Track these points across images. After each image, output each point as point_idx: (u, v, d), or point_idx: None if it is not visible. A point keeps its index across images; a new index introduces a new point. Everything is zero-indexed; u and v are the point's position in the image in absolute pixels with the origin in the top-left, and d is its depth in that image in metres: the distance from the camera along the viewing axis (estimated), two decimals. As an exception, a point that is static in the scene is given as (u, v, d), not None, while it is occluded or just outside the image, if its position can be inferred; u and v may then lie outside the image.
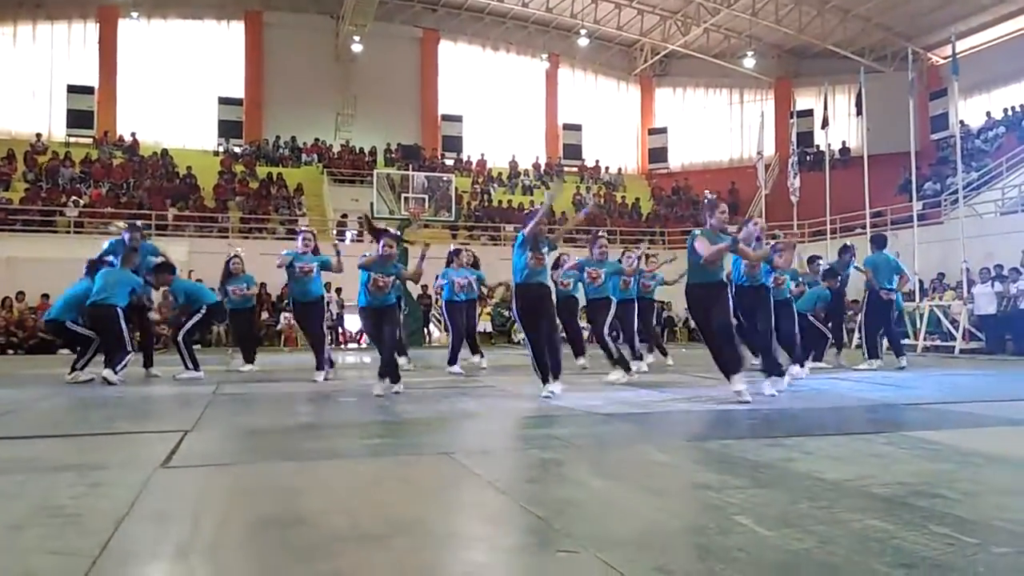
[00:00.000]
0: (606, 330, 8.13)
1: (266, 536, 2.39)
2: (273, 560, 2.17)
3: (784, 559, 2.11)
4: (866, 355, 9.56)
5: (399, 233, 7.37)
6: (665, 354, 10.49)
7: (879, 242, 9.83)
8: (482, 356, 10.08)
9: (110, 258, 8.37)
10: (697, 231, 6.12)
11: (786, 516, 2.53)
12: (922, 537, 2.27)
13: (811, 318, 9.36)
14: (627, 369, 7.81)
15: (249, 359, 9.64)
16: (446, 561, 2.20)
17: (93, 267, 8.36)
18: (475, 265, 9.98)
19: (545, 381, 6.26)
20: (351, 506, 2.72)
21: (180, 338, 8.71)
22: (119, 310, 7.93)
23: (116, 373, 7.71)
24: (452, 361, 9.18)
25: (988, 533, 2.33)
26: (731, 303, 6.22)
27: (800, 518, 2.50)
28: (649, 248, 10.41)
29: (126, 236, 8.59)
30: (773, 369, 6.58)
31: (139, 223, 8.84)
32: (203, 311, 8.84)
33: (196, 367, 8.61)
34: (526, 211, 25.91)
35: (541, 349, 6.31)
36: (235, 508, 2.76)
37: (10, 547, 2.27)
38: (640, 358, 9.17)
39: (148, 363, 8.72)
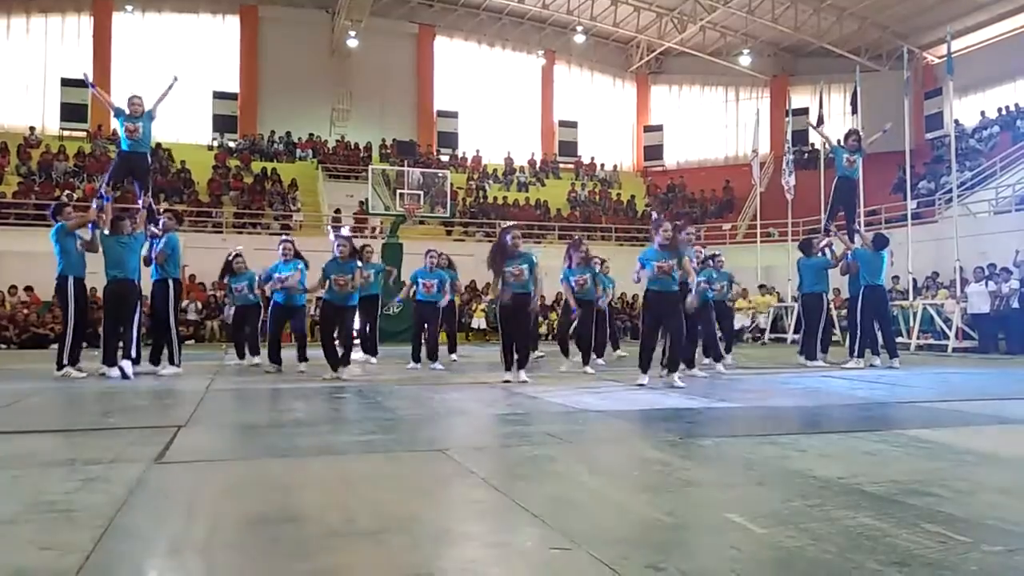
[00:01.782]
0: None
1: (260, 532, 2.38)
2: (267, 556, 2.16)
3: (777, 557, 2.11)
4: (856, 353, 9.55)
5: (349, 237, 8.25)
6: (600, 355, 10.20)
7: (879, 242, 9.87)
8: (417, 362, 9.50)
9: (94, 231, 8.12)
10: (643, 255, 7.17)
11: (779, 514, 2.54)
12: (914, 535, 2.28)
13: (824, 298, 10.00)
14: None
15: (255, 351, 9.79)
16: (440, 558, 2.20)
17: (60, 209, 8.15)
18: (450, 266, 10.26)
19: (508, 369, 7.31)
20: (345, 503, 2.72)
21: (173, 326, 8.41)
22: (138, 285, 7.92)
23: (133, 364, 7.78)
24: (429, 357, 9.48)
25: (980, 531, 2.34)
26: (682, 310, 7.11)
27: (793, 516, 2.51)
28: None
29: (127, 103, 8.49)
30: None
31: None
32: (170, 285, 8.43)
33: (179, 363, 8.50)
34: (521, 207, 25.97)
35: (510, 345, 7.38)
36: (229, 504, 2.75)
37: (3, 542, 2.26)
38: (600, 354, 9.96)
39: (141, 358, 8.62)
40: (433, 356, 9.41)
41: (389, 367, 9.43)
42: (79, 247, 7.97)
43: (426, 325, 9.61)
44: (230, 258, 9.74)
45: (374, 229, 21.81)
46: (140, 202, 8.49)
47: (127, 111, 8.44)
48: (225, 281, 10.16)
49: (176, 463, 3.45)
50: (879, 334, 9.72)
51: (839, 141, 10.89)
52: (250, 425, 4.76)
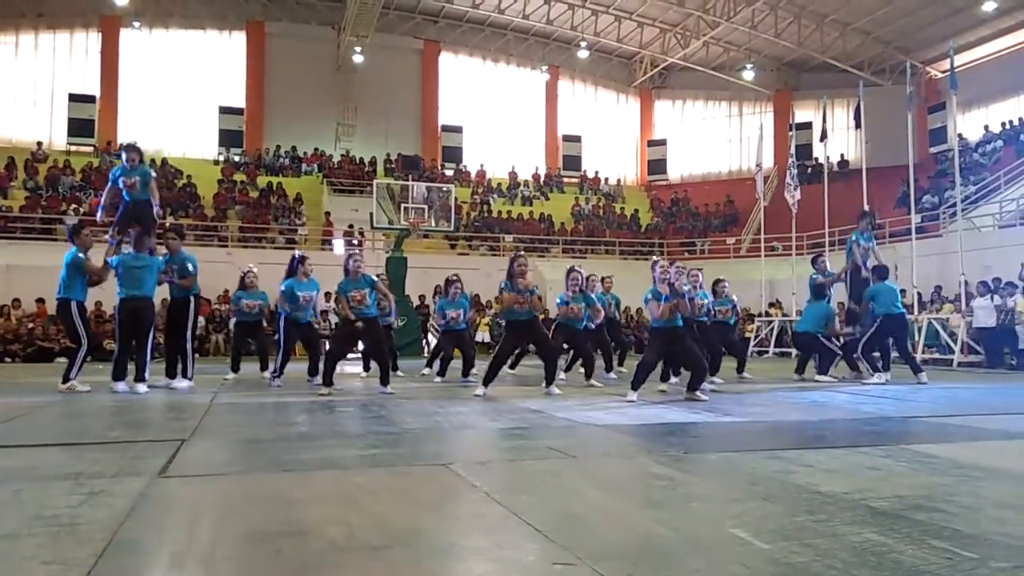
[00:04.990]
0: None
1: (263, 547, 2.38)
2: (269, 571, 2.16)
3: (782, 572, 2.10)
4: (883, 367, 9.53)
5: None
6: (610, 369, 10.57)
7: (881, 272, 9.89)
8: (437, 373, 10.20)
9: (126, 250, 8.21)
10: (649, 293, 7.20)
11: (784, 529, 2.53)
12: (920, 551, 2.27)
13: (821, 338, 10.00)
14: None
15: (277, 370, 9.44)
16: (443, 573, 2.20)
17: (78, 231, 8.10)
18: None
19: (485, 385, 7.55)
20: (348, 517, 2.71)
21: (189, 340, 8.52)
22: (153, 302, 7.99)
23: (146, 381, 7.83)
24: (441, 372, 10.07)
25: (987, 547, 2.32)
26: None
27: (798, 531, 2.49)
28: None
29: (123, 156, 8.53)
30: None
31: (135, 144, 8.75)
32: (192, 301, 8.58)
33: (192, 376, 8.54)
34: (525, 221, 26.01)
35: (502, 363, 7.85)
36: (232, 518, 2.75)
37: (6, 557, 2.26)
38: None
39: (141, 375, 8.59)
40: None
41: (392, 381, 9.40)
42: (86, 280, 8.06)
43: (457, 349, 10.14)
44: (243, 272, 9.82)
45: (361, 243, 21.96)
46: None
47: (124, 163, 8.55)
48: (229, 294, 10.23)
49: (179, 477, 3.45)
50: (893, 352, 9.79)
51: (856, 227, 10.91)
52: (253, 439, 4.76)
